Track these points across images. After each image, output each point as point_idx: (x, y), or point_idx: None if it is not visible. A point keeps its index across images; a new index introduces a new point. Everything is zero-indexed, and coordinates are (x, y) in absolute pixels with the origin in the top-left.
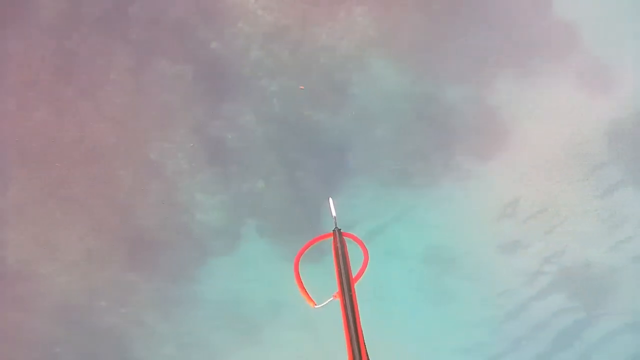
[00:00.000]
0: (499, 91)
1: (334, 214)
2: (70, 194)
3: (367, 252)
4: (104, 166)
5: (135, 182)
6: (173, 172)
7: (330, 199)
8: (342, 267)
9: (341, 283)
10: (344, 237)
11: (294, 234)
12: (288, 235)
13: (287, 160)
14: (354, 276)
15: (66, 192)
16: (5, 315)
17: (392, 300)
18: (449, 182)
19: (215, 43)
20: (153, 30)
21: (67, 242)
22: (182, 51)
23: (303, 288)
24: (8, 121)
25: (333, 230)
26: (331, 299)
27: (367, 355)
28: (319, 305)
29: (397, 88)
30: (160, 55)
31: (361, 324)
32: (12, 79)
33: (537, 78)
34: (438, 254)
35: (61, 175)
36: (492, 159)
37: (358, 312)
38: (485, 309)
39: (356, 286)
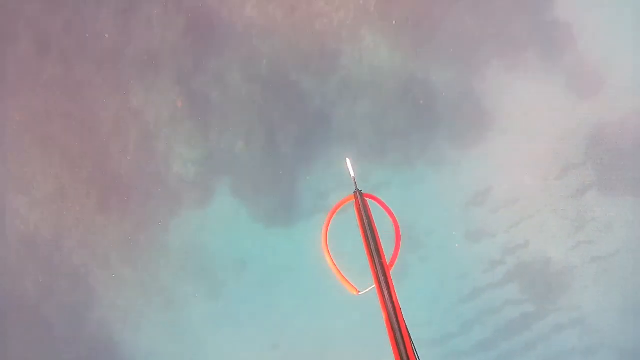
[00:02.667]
0: (486, 80)
1: (352, 174)
2: (48, 130)
3: (396, 222)
4: (84, 106)
5: (115, 126)
6: (154, 121)
7: (348, 159)
8: (368, 233)
9: (372, 259)
10: (367, 200)
11: (267, 196)
12: (261, 196)
13: (268, 122)
14: (388, 260)
15: (44, 129)
16: None
17: (347, 269)
18: (424, 164)
19: None
20: None
21: (41, 178)
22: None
23: (341, 275)
24: None
25: (354, 192)
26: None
27: (412, 342)
28: (362, 292)
29: (386, 64)
30: (154, 0)
31: (401, 312)
32: None
33: (527, 72)
34: (403, 231)
35: (40, 111)
36: (470, 146)
37: (397, 300)
38: (441, 290)
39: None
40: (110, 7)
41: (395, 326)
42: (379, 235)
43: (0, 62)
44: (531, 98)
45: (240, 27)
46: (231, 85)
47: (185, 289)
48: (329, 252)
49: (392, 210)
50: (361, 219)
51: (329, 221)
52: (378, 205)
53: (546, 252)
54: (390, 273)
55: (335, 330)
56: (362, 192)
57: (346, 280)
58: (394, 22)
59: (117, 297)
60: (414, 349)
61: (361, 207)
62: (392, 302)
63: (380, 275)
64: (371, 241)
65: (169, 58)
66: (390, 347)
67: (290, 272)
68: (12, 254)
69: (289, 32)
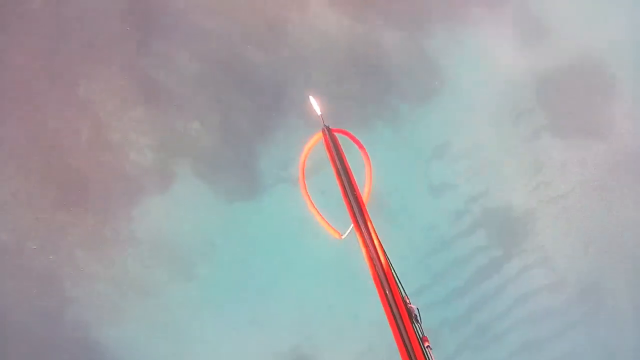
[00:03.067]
0: (434, 37)
1: (318, 112)
2: None
3: (366, 153)
4: (28, 104)
5: (64, 120)
6: (103, 110)
7: (311, 97)
8: (340, 169)
9: (346, 195)
10: (336, 135)
11: (228, 173)
12: (222, 174)
13: (221, 100)
14: (361, 192)
15: None
16: None
17: (316, 236)
18: (382, 125)
19: None
20: None
21: None
22: None
23: (323, 219)
24: None
25: (322, 130)
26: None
27: (396, 276)
28: (345, 234)
29: (335, 29)
30: None
31: (383, 247)
32: None
33: (471, 26)
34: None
35: None
36: (426, 102)
37: (376, 234)
38: (409, 246)
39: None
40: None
41: (377, 261)
42: (352, 170)
43: None
44: (480, 51)
45: (181, 3)
46: (179, 66)
47: (158, 277)
48: (309, 197)
49: (362, 143)
50: (332, 156)
51: (304, 164)
52: (350, 140)
53: (507, 197)
54: (366, 207)
55: (315, 298)
56: (330, 127)
57: (328, 224)
58: None
59: (90, 295)
60: (398, 284)
61: (331, 143)
62: (371, 237)
63: (356, 211)
64: (344, 177)
65: (111, 45)
66: (375, 287)
67: (260, 245)
68: None
69: (233, 5)
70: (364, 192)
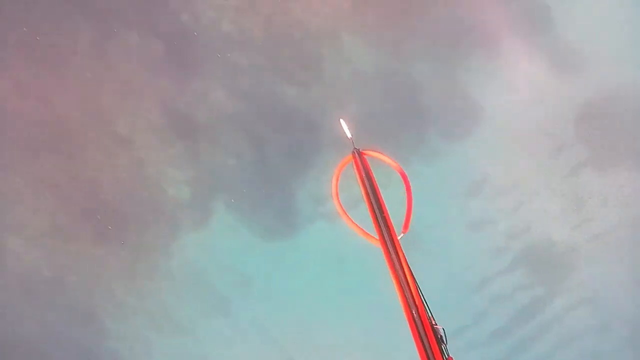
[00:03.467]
0: (469, 69)
1: (349, 134)
2: (37, 170)
3: (405, 175)
4: (70, 141)
5: (103, 156)
6: (143, 147)
7: (342, 120)
8: (370, 193)
9: (376, 218)
10: (366, 157)
11: (265, 209)
12: (259, 210)
13: (257, 136)
14: (405, 218)
15: (32, 169)
16: None
17: (352, 271)
18: (418, 161)
19: (186, 15)
20: (120, 1)
21: (34, 217)
22: (151, 23)
23: (360, 229)
24: None
25: (352, 152)
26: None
27: (425, 303)
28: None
29: (368, 64)
30: (128, 27)
31: (412, 272)
32: None
33: (508, 57)
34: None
35: (27, 152)
36: (462, 137)
37: (405, 258)
38: (448, 284)
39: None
40: (85, 39)
41: (403, 280)
42: (383, 183)
43: None
44: (516, 83)
45: (218, 43)
46: (216, 103)
47: (192, 311)
48: (346, 213)
49: (399, 165)
50: (362, 179)
51: (336, 187)
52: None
53: (549, 234)
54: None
55: (351, 339)
56: (361, 149)
57: (366, 233)
58: (370, 21)
59: (125, 327)
60: (427, 309)
61: (360, 166)
62: (398, 257)
63: (384, 232)
64: (373, 200)
65: (151, 82)
66: (402, 309)
67: (297, 282)
68: (12, 297)
69: (268, 44)
70: (405, 215)
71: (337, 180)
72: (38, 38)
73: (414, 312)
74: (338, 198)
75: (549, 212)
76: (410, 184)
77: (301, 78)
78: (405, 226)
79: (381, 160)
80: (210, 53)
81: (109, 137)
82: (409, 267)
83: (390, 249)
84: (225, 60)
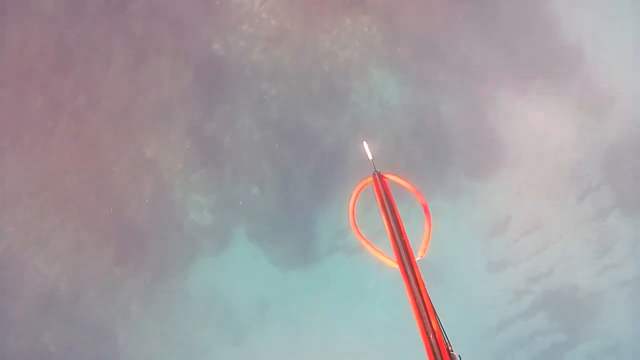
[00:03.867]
0: (497, 108)
1: (370, 156)
2: (64, 186)
3: (424, 201)
4: (98, 161)
5: (129, 178)
6: (168, 170)
7: (365, 142)
8: (390, 216)
9: (395, 242)
10: (387, 181)
11: (285, 238)
12: (279, 240)
13: (282, 166)
14: (423, 244)
15: (60, 185)
16: None
17: (373, 309)
18: (441, 197)
19: (217, 44)
20: (154, 27)
21: (58, 233)
22: (183, 50)
23: (377, 251)
24: (4, 111)
25: (372, 175)
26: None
27: (442, 328)
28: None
29: (396, 99)
30: (161, 52)
31: (428, 295)
32: (8, 69)
33: (537, 98)
34: (425, 267)
35: (55, 168)
36: (486, 176)
37: (423, 282)
38: (467, 324)
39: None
40: (119, 63)
41: (421, 306)
42: (403, 216)
43: (15, 122)
44: (544, 123)
45: (248, 71)
46: (243, 130)
47: (206, 337)
48: (360, 234)
49: (418, 190)
50: (382, 201)
51: (353, 208)
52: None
53: (572, 278)
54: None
55: None
56: (382, 173)
57: (383, 255)
58: (400, 55)
59: (140, 348)
60: (442, 332)
61: (381, 189)
62: (418, 285)
63: (404, 257)
64: (393, 224)
65: (179, 108)
66: (420, 334)
67: (312, 314)
68: (32, 310)
69: (297, 74)
70: (422, 242)
71: (355, 200)
72: (73, 55)
73: (430, 337)
74: (354, 218)
75: (573, 255)
76: (432, 219)
77: (328, 109)
78: (423, 249)
79: (400, 185)
80: (240, 81)
81: (136, 158)
82: (426, 292)
83: (409, 272)
84: (255, 89)
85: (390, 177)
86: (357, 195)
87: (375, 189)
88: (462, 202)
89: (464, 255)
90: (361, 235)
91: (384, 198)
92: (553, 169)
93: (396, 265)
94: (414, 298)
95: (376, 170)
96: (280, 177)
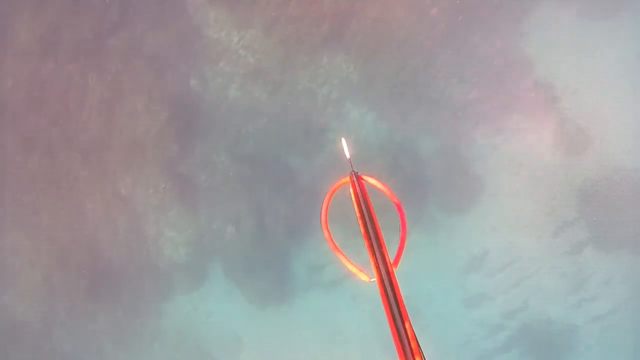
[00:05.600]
0: (474, 145)
1: (348, 155)
2: (36, 224)
3: (399, 205)
4: (72, 196)
5: (103, 214)
6: (143, 207)
7: (343, 139)
8: (365, 217)
9: (370, 244)
10: (364, 182)
11: (260, 276)
12: (254, 277)
13: (258, 203)
14: (398, 250)
15: (32, 223)
16: None
17: (347, 343)
18: (418, 233)
19: (194, 80)
20: (131, 64)
21: (28, 268)
22: (159, 86)
23: (350, 262)
24: None
25: (349, 174)
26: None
27: (416, 339)
28: (374, 279)
29: (374, 136)
30: (136, 89)
31: (403, 301)
32: None
33: (512, 135)
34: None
35: (27, 203)
36: (463, 211)
37: (398, 287)
38: (445, 359)
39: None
40: (94, 99)
41: (397, 314)
42: (381, 219)
43: None
44: (519, 159)
45: (224, 109)
46: (218, 167)
47: None
48: (332, 241)
49: (393, 193)
50: (358, 202)
51: (327, 207)
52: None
53: (547, 313)
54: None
55: None
56: (359, 173)
57: (356, 267)
58: (377, 93)
59: None
60: (416, 340)
61: (357, 190)
62: (393, 289)
63: (379, 258)
64: (369, 225)
65: (155, 145)
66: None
67: (289, 351)
68: None
69: (274, 111)
70: (397, 250)
71: (329, 202)
72: (47, 90)
73: (405, 343)
74: (327, 223)
75: (548, 289)
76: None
77: (305, 147)
78: (396, 261)
79: (378, 188)
80: (217, 118)
81: (110, 195)
82: (402, 303)
83: (385, 278)
84: (231, 126)
85: (368, 180)
86: (332, 196)
87: (352, 190)
88: (438, 237)
89: (441, 290)
90: (334, 244)
91: (360, 200)
92: (529, 204)
93: (370, 279)
94: (388, 303)
95: (353, 170)
96: (256, 213)
